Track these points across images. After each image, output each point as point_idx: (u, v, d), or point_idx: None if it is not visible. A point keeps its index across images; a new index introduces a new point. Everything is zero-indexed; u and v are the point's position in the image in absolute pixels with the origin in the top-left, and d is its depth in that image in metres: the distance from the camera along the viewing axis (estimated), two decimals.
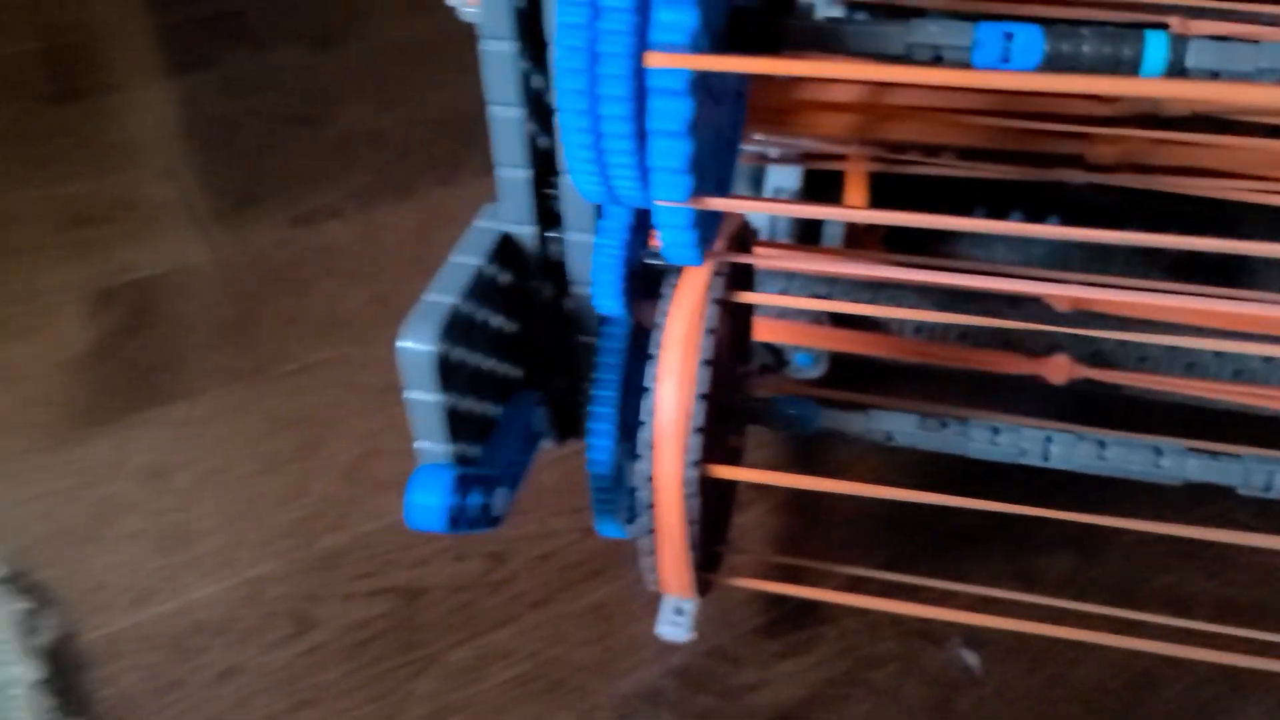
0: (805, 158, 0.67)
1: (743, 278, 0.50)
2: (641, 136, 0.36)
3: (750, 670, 0.57)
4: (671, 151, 0.35)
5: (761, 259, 0.50)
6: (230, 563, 0.64)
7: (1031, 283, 0.41)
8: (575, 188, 0.41)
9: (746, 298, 0.46)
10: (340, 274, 0.85)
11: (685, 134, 0.34)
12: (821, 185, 0.71)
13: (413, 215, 0.90)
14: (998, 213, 0.70)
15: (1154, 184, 0.53)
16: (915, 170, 0.61)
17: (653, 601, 0.59)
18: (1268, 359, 0.61)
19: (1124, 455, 0.47)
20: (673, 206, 0.37)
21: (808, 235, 0.71)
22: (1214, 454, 0.47)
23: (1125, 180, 0.51)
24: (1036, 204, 0.70)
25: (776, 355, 0.67)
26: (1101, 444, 0.47)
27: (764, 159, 0.68)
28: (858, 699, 0.56)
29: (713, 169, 0.41)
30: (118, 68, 1.15)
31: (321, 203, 0.93)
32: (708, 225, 0.41)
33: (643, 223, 0.45)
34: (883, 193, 0.69)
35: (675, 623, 0.55)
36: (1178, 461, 0.47)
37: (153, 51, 1.18)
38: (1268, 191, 0.52)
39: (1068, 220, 0.68)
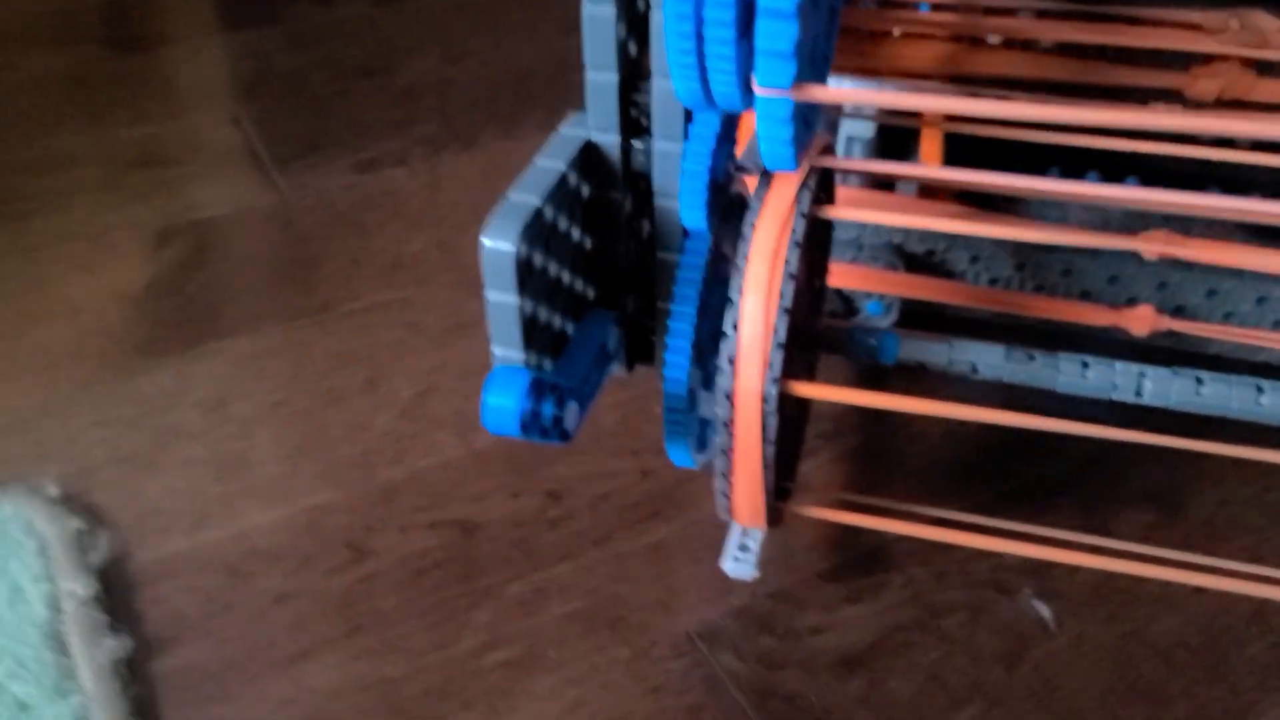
0: (881, 112, 0.66)
1: (827, 199, 0.49)
2: (744, 33, 0.35)
3: (814, 613, 0.56)
4: (778, 33, 0.34)
5: (843, 205, 0.48)
6: (288, 492, 0.63)
7: (1109, 237, 0.40)
8: (668, 91, 0.40)
9: (836, 212, 0.45)
10: (403, 219, 0.84)
11: (793, 15, 0.33)
12: (893, 141, 0.70)
13: (475, 165, 0.90)
14: (1073, 174, 0.68)
15: (1255, 129, 0.51)
16: (991, 133, 0.59)
17: (714, 544, 0.58)
18: None
19: (1223, 392, 0.45)
20: (773, 97, 0.36)
21: (880, 188, 0.70)
22: None
23: (1222, 124, 0.50)
24: (1113, 167, 0.68)
25: (847, 303, 0.66)
26: (1199, 380, 0.46)
27: (839, 110, 0.66)
28: (926, 646, 0.54)
29: (806, 73, 0.40)
30: (181, 20, 1.15)
31: (386, 151, 0.92)
32: (801, 132, 0.40)
33: (730, 134, 0.43)
34: (956, 149, 0.68)
35: (740, 559, 0.53)
36: None
37: (215, 6, 1.18)
38: None
39: (1146, 183, 0.66)
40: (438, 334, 0.73)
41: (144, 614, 0.57)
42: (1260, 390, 0.44)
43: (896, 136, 0.69)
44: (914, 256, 0.66)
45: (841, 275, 0.64)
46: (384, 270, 0.79)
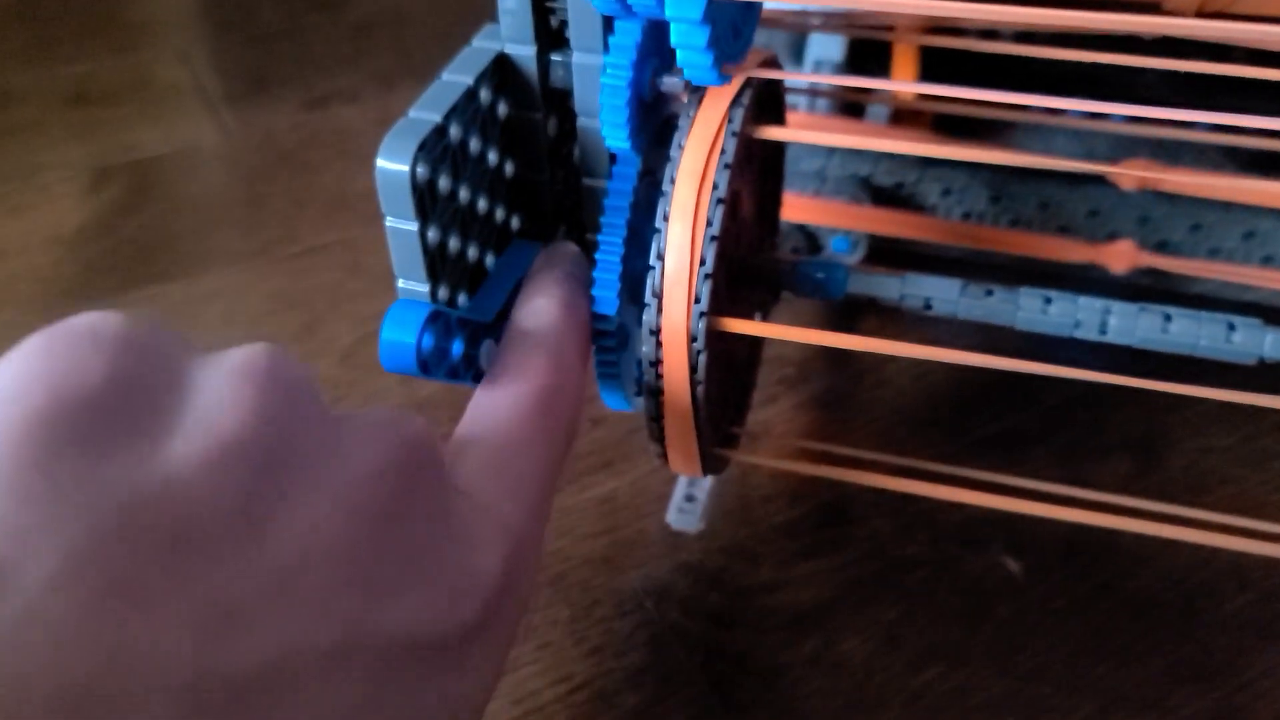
0: (850, 26, 0.62)
1: (773, 122, 0.45)
2: None
3: (768, 569, 0.52)
4: None
5: (797, 133, 0.44)
6: None
7: (1084, 164, 0.36)
8: None
9: (773, 133, 0.41)
10: (353, 157, 0.81)
11: None
12: (867, 60, 0.65)
13: None
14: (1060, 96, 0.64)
15: (1239, 35, 0.46)
16: (969, 45, 0.55)
17: (665, 496, 0.54)
18: None
19: (1191, 329, 0.41)
20: None
21: (849, 113, 0.66)
22: None
23: (1206, 29, 0.45)
24: (1103, 90, 0.64)
25: (810, 239, 0.62)
26: (1167, 317, 0.42)
27: (804, 26, 0.62)
28: (885, 603, 0.51)
29: None
30: None
31: (337, 87, 0.88)
32: (727, 41, 0.36)
33: (660, 46, 0.39)
34: (933, 72, 0.64)
35: (685, 510, 0.50)
36: (1253, 336, 0.41)
37: None
38: None
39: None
40: (380, 276, 0.69)
41: None
42: (1232, 327, 0.41)
43: (869, 58, 0.65)
44: (882, 190, 0.62)
45: (804, 209, 0.61)
46: (328, 210, 0.75)
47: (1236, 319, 0.42)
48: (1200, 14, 0.48)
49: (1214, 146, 0.59)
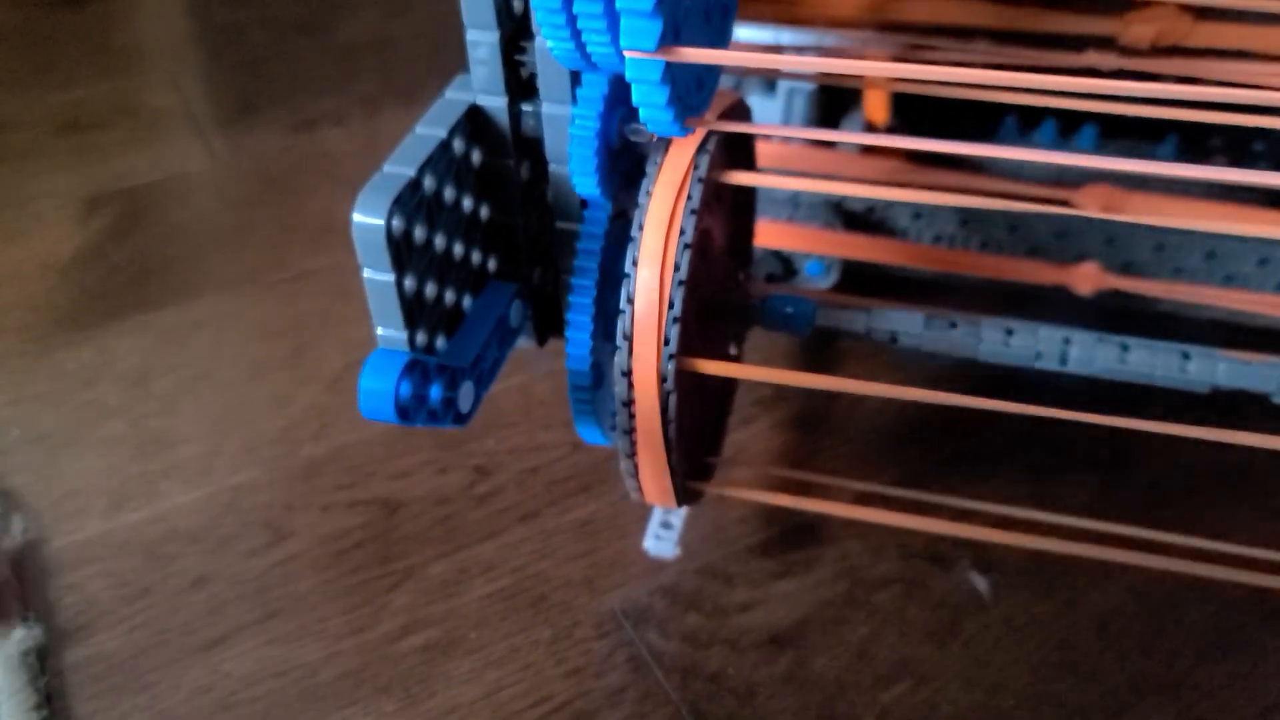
0: (819, 77, 0.63)
1: (742, 162, 0.47)
2: None
3: (743, 589, 0.54)
4: None
5: (763, 169, 0.46)
6: (209, 470, 0.61)
7: (1048, 190, 0.37)
8: (550, 51, 0.38)
9: (738, 178, 0.42)
10: (339, 181, 0.82)
11: None
12: (840, 89, 0.67)
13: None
14: (1029, 120, 0.66)
15: (1192, 70, 0.48)
16: (937, 92, 0.57)
17: (643, 518, 0.56)
18: None
19: (1148, 359, 0.43)
20: (643, 59, 0.33)
21: (821, 143, 0.67)
22: (1245, 362, 0.43)
23: (1160, 66, 0.47)
24: (1073, 113, 0.65)
25: (785, 264, 0.63)
26: (1124, 347, 0.43)
27: (775, 75, 0.63)
28: (857, 622, 0.52)
29: (698, 34, 0.37)
30: None
31: (324, 110, 0.89)
32: (689, 94, 0.38)
33: (626, 95, 0.41)
34: (906, 98, 0.65)
35: (661, 537, 0.52)
36: (1206, 366, 0.43)
37: None
38: None
39: (1104, 133, 0.64)
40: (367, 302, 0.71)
41: (58, 601, 0.55)
42: (1186, 356, 0.42)
43: (842, 87, 0.66)
44: (854, 214, 0.64)
45: (778, 235, 0.62)
46: (316, 235, 0.77)
47: (1191, 348, 0.43)
48: (1155, 48, 0.50)
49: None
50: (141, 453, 0.62)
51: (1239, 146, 0.64)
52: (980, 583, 0.53)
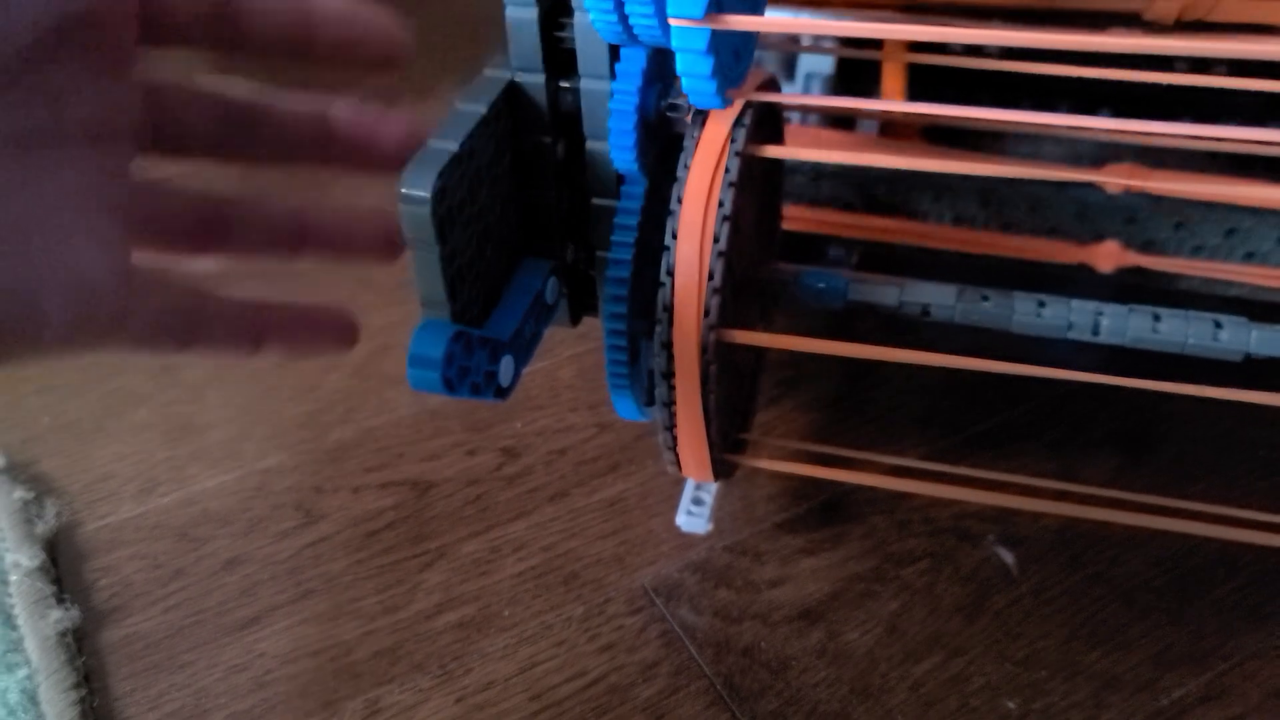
0: (839, 44, 0.64)
1: (771, 139, 0.47)
2: None
3: (772, 566, 0.54)
4: None
5: (789, 146, 0.46)
6: (238, 454, 0.62)
7: (1071, 170, 0.38)
8: (589, 26, 0.38)
9: (774, 151, 0.43)
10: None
11: None
12: (856, 74, 0.67)
13: (432, 115, 0.87)
14: (1045, 105, 0.66)
15: (1217, 50, 0.49)
16: (955, 62, 0.57)
17: (672, 498, 0.57)
18: None
19: (1180, 328, 0.44)
20: (689, 27, 0.34)
21: (840, 125, 0.68)
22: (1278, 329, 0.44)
23: (1184, 46, 0.47)
24: (1086, 97, 0.66)
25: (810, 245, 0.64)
26: (1156, 316, 0.44)
27: (795, 44, 0.64)
28: (886, 596, 0.53)
29: (738, 7, 0.38)
30: None
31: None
32: (729, 66, 0.38)
33: (663, 71, 0.41)
34: (922, 82, 0.66)
35: (694, 513, 0.52)
36: (1239, 334, 0.43)
37: None
38: None
39: (1119, 113, 0.64)
40: (391, 290, 0.71)
41: (93, 583, 0.56)
42: (1219, 325, 0.43)
43: (859, 72, 0.67)
44: (874, 197, 0.64)
45: (799, 217, 0.63)
46: None
47: (1223, 317, 0.44)
48: (1180, 22, 0.50)
49: (1197, 150, 0.61)
50: (170, 438, 0.63)
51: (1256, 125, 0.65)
52: (1007, 557, 0.54)
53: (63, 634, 0.53)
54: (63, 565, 0.56)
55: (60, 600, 0.55)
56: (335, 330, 0.38)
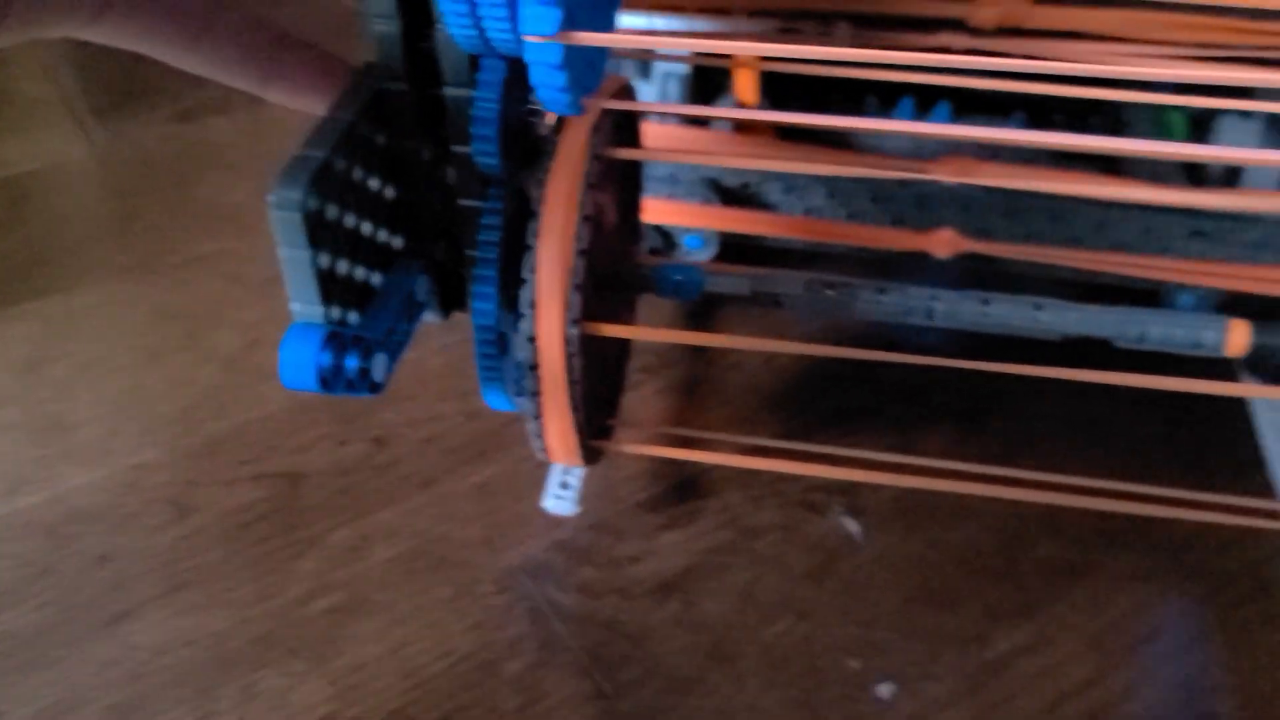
0: (693, 57, 0.67)
1: (629, 141, 0.50)
2: None
3: (633, 542, 0.58)
4: None
5: (646, 148, 0.49)
6: (109, 452, 0.62)
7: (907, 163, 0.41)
8: (451, 38, 0.41)
9: (629, 153, 0.46)
10: (225, 168, 0.83)
11: None
12: (712, 72, 0.71)
13: (303, 112, 0.88)
14: (888, 99, 0.70)
15: (1033, 50, 0.53)
16: (800, 69, 0.61)
17: (539, 481, 0.59)
18: (1143, 231, 0.63)
19: (1007, 311, 0.48)
20: (542, 43, 0.36)
21: (697, 123, 0.71)
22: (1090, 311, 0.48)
23: (1004, 46, 0.52)
24: (928, 92, 0.70)
25: (666, 238, 0.67)
26: (985, 301, 0.48)
27: (650, 53, 0.67)
28: (739, 567, 0.56)
29: (590, 19, 0.41)
30: None
31: (206, 99, 0.90)
32: (583, 76, 0.41)
33: (523, 79, 0.44)
34: (774, 80, 0.69)
35: (561, 496, 0.55)
36: (1057, 315, 0.48)
37: None
38: (1152, 56, 0.53)
39: (957, 110, 0.69)
40: (260, 285, 0.72)
41: None
42: (1039, 308, 0.47)
43: (714, 70, 0.70)
44: (730, 190, 0.68)
45: (657, 211, 0.66)
46: (204, 222, 0.78)
47: (1044, 300, 0.48)
48: (1000, 29, 0.55)
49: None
50: (38, 437, 0.63)
51: (1079, 120, 0.70)
52: (852, 526, 0.58)
53: None
54: None
55: None
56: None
